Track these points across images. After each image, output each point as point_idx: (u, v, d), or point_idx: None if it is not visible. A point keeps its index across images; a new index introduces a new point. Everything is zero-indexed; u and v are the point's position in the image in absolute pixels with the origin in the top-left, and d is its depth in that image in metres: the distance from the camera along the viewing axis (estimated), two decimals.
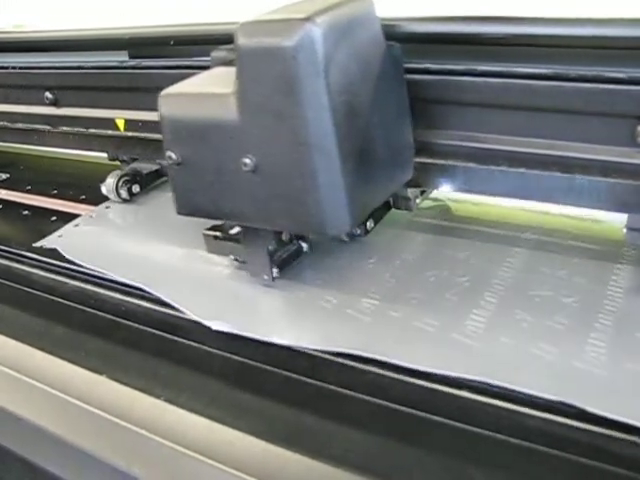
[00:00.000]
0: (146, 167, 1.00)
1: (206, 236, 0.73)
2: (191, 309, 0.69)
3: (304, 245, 0.73)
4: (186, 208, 0.69)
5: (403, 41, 0.66)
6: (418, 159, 0.69)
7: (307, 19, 0.55)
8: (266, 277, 0.70)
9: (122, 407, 0.59)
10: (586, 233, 0.73)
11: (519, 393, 0.53)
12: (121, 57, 0.92)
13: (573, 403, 0.51)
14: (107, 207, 0.99)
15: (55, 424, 0.62)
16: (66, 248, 0.86)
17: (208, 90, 0.64)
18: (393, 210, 0.78)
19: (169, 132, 0.66)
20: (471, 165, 0.68)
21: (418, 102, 0.68)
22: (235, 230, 0.71)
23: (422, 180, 0.71)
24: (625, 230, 0.64)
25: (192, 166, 0.65)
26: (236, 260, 0.74)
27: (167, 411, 0.57)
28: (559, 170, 0.63)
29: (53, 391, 0.63)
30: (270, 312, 0.69)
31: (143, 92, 0.89)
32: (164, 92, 0.66)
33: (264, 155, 0.60)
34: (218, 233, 0.72)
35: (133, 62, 0.90)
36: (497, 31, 0.64)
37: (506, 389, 0.54)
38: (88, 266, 0.81)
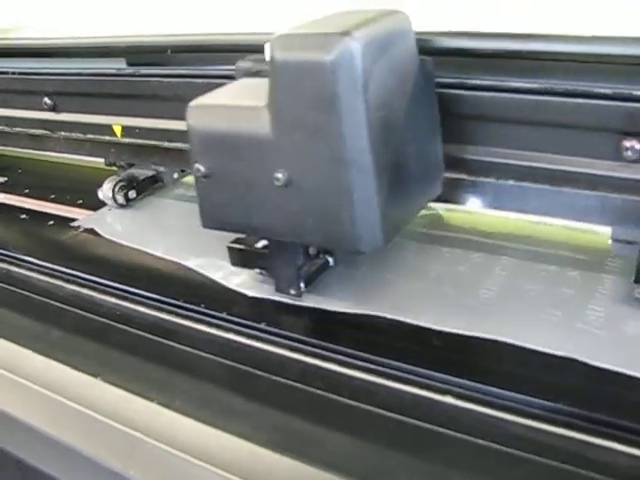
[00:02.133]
0: (143, 173, 1.00)
1: (230, 249, 0.72)
2: None
3: (330, 259, 0.72)
4: (212, 221, 0.68)
5: (435, 55, 0.65)
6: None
7: (346, 33, 0.54)
8: (293, 292, 0.69)
9: (116, 409, 0.60)
10: (574, 243, 0.75)
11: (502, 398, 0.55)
12: (120, 64, 0.93)
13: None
14: (106, 211, 0.99)
15: (50, 425, 0.63)
16: None
17: (239, 102, 0.63)
18: None
19: (197, 144, 0.65)
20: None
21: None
22: (261, 244, 0.70)
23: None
24: (610, 241, 0.66)
25: (221, 179, 0.64)
26: (261, 274, 0.73)
27: (160, 414, 0.59)
28: (547, 183, 0.66)
29: (49, 393, 0.64)
30: None
31: (140, 99, 0.91)
32: (193, 103, 0.65)
33: (297, 170, 0.59)
34: (243, 246, 0.71)
35: (130, 70, 0.91)
36: (524, 48, 0.64)
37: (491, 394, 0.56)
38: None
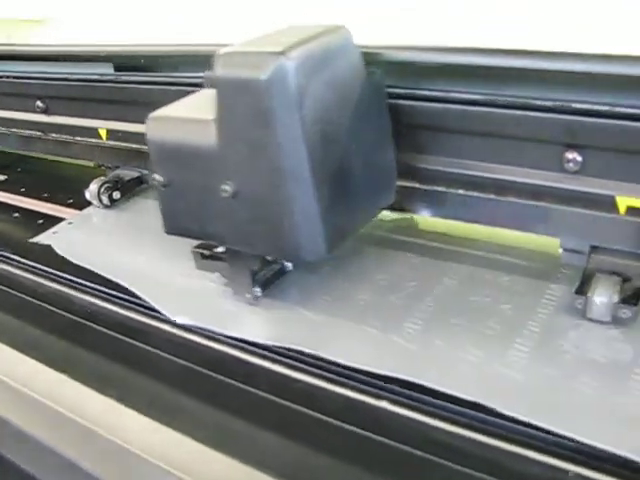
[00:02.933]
0: (128, 174, 1.04)
1: (194, 253, 0.75)
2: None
3: (288, 265, 0.74)
4: (173, 228, 0.71)
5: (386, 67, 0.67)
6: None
7: (281, 53, 0.56)
8: (248, 296, 0.71)
9: (78, 403, 0.65)
10: (538, 249, 0.76)
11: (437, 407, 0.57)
12: (107, 70, 0.96)
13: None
14: (88, 213, 1.03)
15: (17, 416, 0.68)
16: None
17: (191, 115, 0.66)
18: None
19: (155, 154, 0.68)
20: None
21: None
22: (221, 249, 0.73)
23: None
24: (561, 250, 0.67)
25: (177, 189, 0.67)
26: (223, 277, 0.75)
27: (115, 408, 0.64)
28: (493, 192, 0.67)
29: (18, 387, 0.69)
30: None
31: (122, 104, 0.95)
32: (152, 115, 0.68)
33: (242, 182, 0.62)
34: (205, 251, 0.74)
35: (112, 76, 0.95)
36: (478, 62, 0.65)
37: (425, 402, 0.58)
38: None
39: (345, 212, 0.64)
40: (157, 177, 0.68)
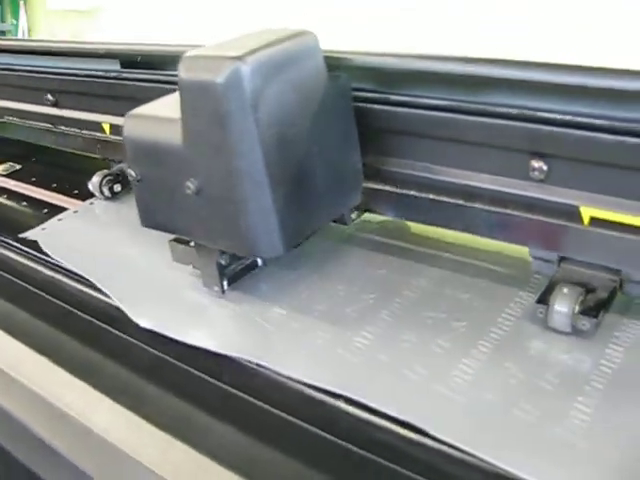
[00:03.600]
0: None
1: (171, 244, 0.78)
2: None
3: (259, 260, 0.77)
4: (148, 221, 0.74)
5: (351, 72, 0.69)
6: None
7: (238, 58, 0.59)
8: (216, 289, 0.74)
9: (56, 387, 0.69)
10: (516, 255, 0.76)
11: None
12: (114, 66, 0.99)
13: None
14: (91, 203, 1.08)
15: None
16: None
17: (162, 114, 0.69)
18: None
19: (129, 151, 0.71)
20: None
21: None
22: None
23: None
24: (531, 258, 0.67)
25: (149, 184, 0.70)
26: (195, 268, 0.78)
27: (87, 392, 0.67)
28: (462, 198, 0.68)
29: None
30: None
31: (123, 100, 0.97)
32: (129, 113, 0.71)
33: (205, 180, 0.64)
34: (180, 243, 0.77)
35: (115, 72, 0.98)
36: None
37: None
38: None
39: (304, 212, 0.66)
40: (131, 172, 0.71)
